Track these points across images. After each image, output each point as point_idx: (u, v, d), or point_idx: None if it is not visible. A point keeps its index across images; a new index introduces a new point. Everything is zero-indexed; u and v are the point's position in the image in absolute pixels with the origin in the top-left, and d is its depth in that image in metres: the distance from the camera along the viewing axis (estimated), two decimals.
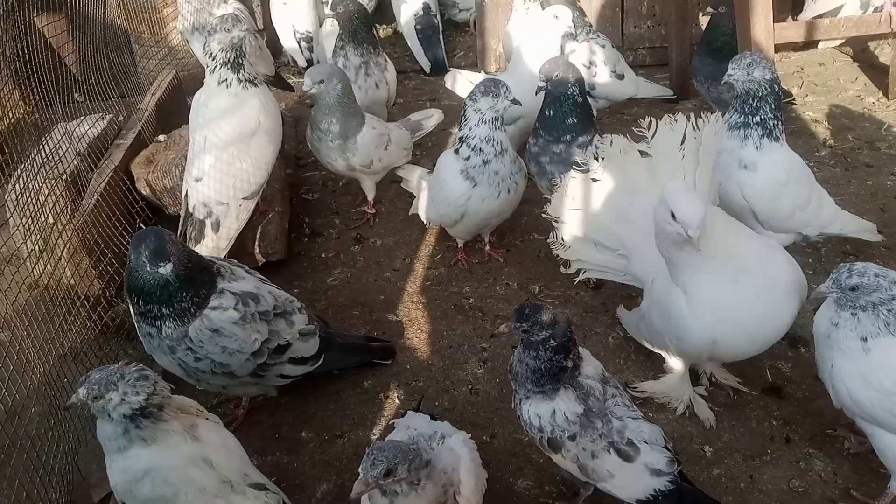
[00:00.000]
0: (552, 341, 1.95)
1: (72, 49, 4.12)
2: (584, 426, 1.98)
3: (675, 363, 2.56)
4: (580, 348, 2.10)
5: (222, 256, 2.98)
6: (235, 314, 2.32)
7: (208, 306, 2.29)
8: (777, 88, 2.77)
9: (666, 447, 2.02)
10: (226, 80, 3.05)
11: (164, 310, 2.23)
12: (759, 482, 2.31)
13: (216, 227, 3.01)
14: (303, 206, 3.95)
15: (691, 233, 2.13)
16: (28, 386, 2.37)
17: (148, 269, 2.18)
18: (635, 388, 2.61)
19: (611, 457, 1.98)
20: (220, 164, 3.03)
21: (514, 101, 3.02)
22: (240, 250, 3.18)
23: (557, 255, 2.90)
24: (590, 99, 3.50)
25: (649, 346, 2.66)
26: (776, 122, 2.77)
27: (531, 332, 1.95)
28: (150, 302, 2.24)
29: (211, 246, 3.01)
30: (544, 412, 2.00)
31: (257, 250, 3.28)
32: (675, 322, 2.38)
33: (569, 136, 3.11)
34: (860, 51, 5.15)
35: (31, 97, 3.28)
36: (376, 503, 1.82)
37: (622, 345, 2.87)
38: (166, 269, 2.17)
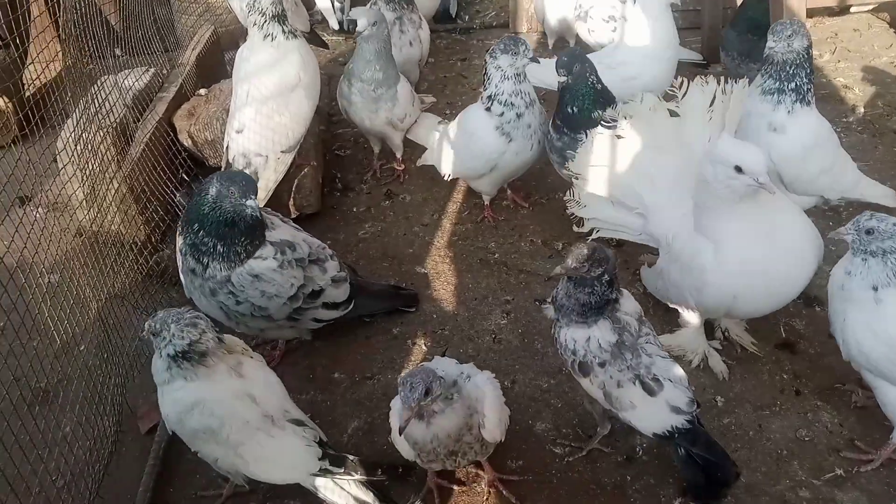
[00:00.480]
0: (606, 276, 2.07)
1: (114, 6, 4.24)
2: (615, 356, 2.10)
3: (691, 317, 2.67)
4: (622, 288, 2.23)
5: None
6: (274, 262, 2.47)
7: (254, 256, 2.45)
8: (811, 55, 2.82)
9: (688, 388, 2.14)
10: (271, 33, 3.16)
11: (219, 247, 2.40)
12: (767, 431, 2.43)
13: (255, 178, 3.14)
14: (335, 162, 4.07)
15: (762, 179, 2.21)
16: (83, 322, 2.55)
17: (235, 198, 2.33)
18: None
19: (635, 388, 2.11)
20: (261, 116, 3.15)
21: (533, 59, 3.08)
22: (275, 202, 3.31)
23: (572, 214, 2.98)
24: None
25: (667, 302, 2.76)
26: (809, 87, 2.83)
27: (592, 269, 2.04)
28: (210, 234, 2.39)
29: None
30: (580, 337, 2.13)
31: (292, 202, 3.42)
32: (698, 275, 2.48)
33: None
34: (894, 17, 5.08)
35: (85, 48, 3.42)
36: (415, 431, 1.98)
37: (640, 300, 2.85)
38: (253, 203, 2.33)
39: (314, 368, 2.80)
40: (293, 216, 3.43)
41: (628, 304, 2.22)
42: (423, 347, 2.84)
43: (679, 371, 2.17)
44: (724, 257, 2.40)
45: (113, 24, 4.28)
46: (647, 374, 2.11)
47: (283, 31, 3.18)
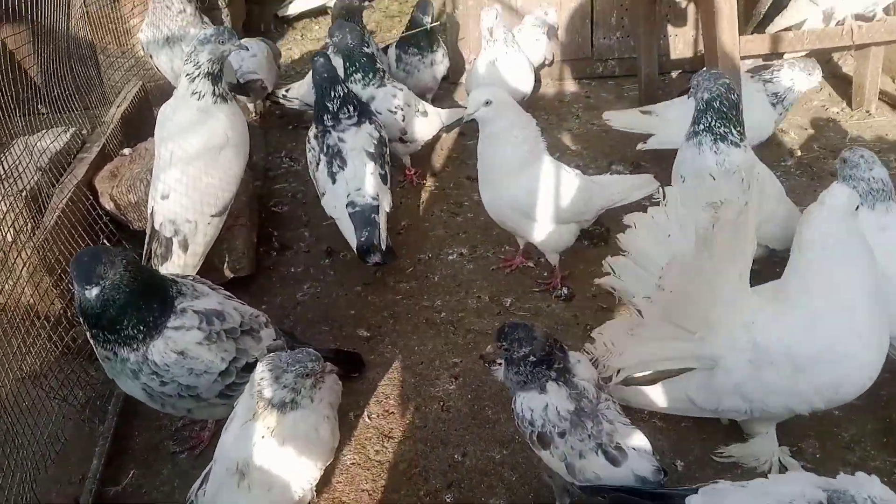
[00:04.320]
0: (532, 357, 2.02)
1: (35, 60, 4.03)
2: (575, 424, 2.01)
3: (758, 426, 2.37)
4: (576, 353, 2.18)
5: (192, 275, 2.92)
6: (199, 334, 2.25)
7: (169, 327, 2.23)
8: (719, 104, 2.90)
9: (654, 456, 2.04)
10: (200, 91, 3.00)
11: (107, 335, 2.17)
12: None
13: (184, 245, 2.95)
14: (272, 219, 3.89)
15: None
16: None
17: (78, 291, 2.12)
18: (720, 453, 2.42)
19: (598, 458, 2.00)
20: (187, 178, 2.97)
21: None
22: (206, 266, 3.11)
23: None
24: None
25: (722, 416, 2.40)
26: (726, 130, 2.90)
27: (512, 350, 2.04)
28: (93, 326, 2.18)
29: (179, 264, 2.95)
30: (537, 406, 2.04)
31: (224, 266, 3.22)
32: (837, 366, 2.08)
33: None
34: (824, 62, 5.20)
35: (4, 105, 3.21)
36: None
37: (594, 360, 2.86)
38: (91, 293, 2.09)
39: None
40: (227, 279, 3.24)
41: (584, 370, 2.13)
42: (368, 420, 2.65)
43: (642, 438, 2.07)
44: (862, 327, 2.04)
45: (34, 78, 4.08)
46: (610, 442, 2.01)
47: (214, 94, 3.02)
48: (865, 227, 2.20)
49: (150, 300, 2.22)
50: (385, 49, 4.81)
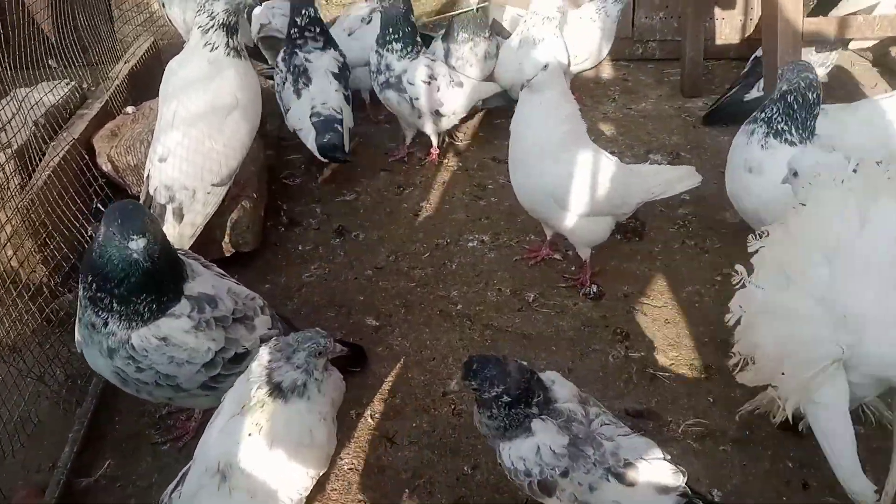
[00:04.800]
0: (505, 397, 1.77)
1: (48, 12, 3.78)
2: (575, 457, 1.76)
3: None
4: (547, 373, 1.92)
5: (186, 248, 2.68)
6: (188, 322, 1.99)
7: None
8: (792, 98, 2.60)
9: (665, 459, 1.81)
10: (213, 42, 2.77)
11: (115, 305, 1.91)
12: None
13: (178, 214, 2.70)
14: (282, 192, 3.64)
15: None
16: None
17: (117, 241, 1.84)
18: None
19: (612, 484, 1.75)
20: (189, 141, 2.72)
21: None
22: (206, 237, 2.88)
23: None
24: None
25: None
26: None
27: (482, 390, 1.78)
28: (104, 289, 1.90)
29: (172, 235, 2.68)
30: (528, 452, 1.78)
31: (226, 239, 2.97)
32: None
33: None
34: (880, 55, 4.87)
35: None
36: None
37: (623, 365, 2.60)
38: (139, 244, 1.82)
39: None
40: (227, 255, 3.00)
41: (562, 391, 1.86)
42: (370, 421, 2.40)
43: (647, 443, 1.83)
44: None
45: (46, 31, 3.84)
46: (618, 462, 1.76)
47: (227, 45, 2.78)
48: None
49: (173, 277, 2.00)
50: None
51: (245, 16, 3.21)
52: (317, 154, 3.42)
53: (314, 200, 3.58)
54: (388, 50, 3.55)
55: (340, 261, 3.16)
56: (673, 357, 2.62)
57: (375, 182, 3.72)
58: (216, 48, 2.76)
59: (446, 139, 4.05)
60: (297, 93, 3.51)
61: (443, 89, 3.60)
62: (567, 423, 1.79)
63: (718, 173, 3.20)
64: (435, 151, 3.87)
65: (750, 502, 2.14)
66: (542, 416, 1.78)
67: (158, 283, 1.93)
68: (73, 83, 3.34)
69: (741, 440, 2.32)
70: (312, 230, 3.36)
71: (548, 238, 3.09)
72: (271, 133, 4.06)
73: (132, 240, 1.82)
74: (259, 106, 2.97)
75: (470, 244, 3.25)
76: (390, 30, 3.53)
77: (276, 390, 1.81)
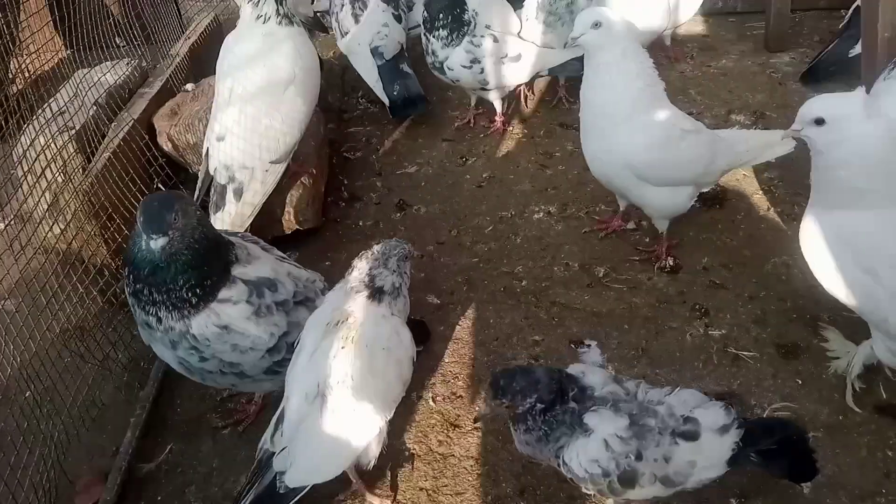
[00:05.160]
0: (539, 405, 1.67)
1: None
2: (641, 434, 1.67)
3: None
4: (573, 366, 1.84)
5: (245, 227, 2.65)
6: (248, 308, 1.95)
7: (217, 299, 1.94)
8: None
9: (709, 398, 1.79)
10: (265, 14, 2.72)
11: (155, 295, 1.89)
12: None
13: (238, 193, 2.67)
14: (343, 167, 3.57)
15: None
16: (16, 365, 2.09)
17: (141, 238, 1.84)
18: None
19: (681, 446, 1.69)
20: (246, 119, 2.67)
21: None
22: (266, 216, 2.84)
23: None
24: None
25: None
26: None
27: (515, 405, 1.68)
28: (140, 280, 1.89)
29: (233, 213, 2.67)
30: (596, 451, 1.66)
31: (286, 217, 2.92)
32: None
33: None
34: None
35: (67, 42, 3.01)
36: None
37: (702, 344, 2.42)
38: (157, 244, 1.81)
39: None
40: (288, 232, 2.95)
41: (595, 378, 1.76)
42: (432, 404, 2.32)
43: (690, 393, 1.78)
44: None
45: (112, 8, 3.88)
46: (678, 422, 1.70)
47: (278, 13, 2.71)
48: None
49: (213, 262, 1.95)
50: None
51: None
52: (386, 102, 3.71)
53: (375, 174, 3.50)
54: (435, 36, 3.48)
55: (402, 235, 3.05)
56: (757, 335, 2.42)
57: (437, 153, 3.61)
58: (268, 19, 2.70)
59: (512, 103, 3.89)
60: (356, 17, 3.85)
61: (488, 69, 3.47)
62: (615, 405, 1.70)
63: None
64: (499, 118, 3.72)
65: (843, 495, 1.95)
66: (595, 407, 1.68)
67: (198, 269, 1.89)
68: (134, 61, 3.34)
69: (834, 426, 2.12)
70: (373, 205, 3.29)
71: (620, 208, 2.91)
72: (333, 106, 4.01)
73: (153, 239, 1.80)
74: (317, 79, 2.89)
75: (536, 216, 3.11)
76: (440, 16, 3.43)
77: (378, 293, 1.97)
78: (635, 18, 3.37)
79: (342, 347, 1.84)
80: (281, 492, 1.81)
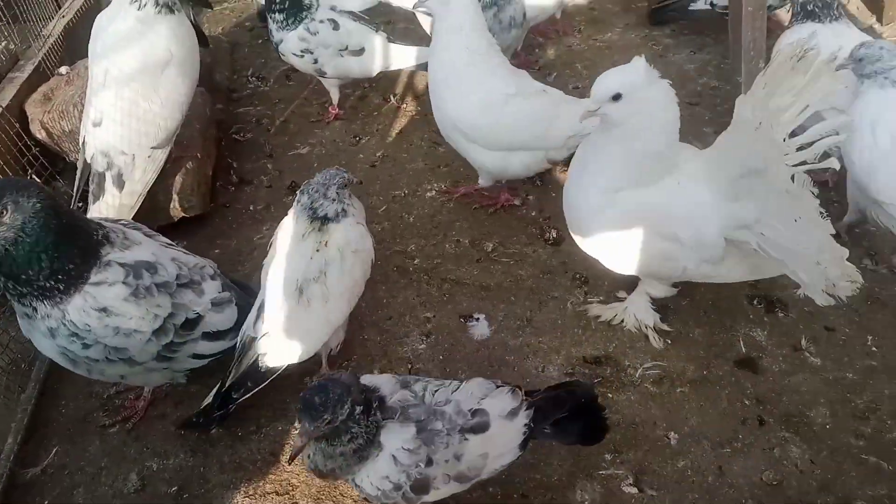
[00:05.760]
0: (358, 408, 1.60)
1: None
2: (429, 440, 1.68)
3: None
4: (364, 377, 1.77)
5: (129, 216, 2.59)
6: (124, 289, 1.94)
7: (90, 281, 1.91)
8: None
9: (494, 383, 1.83)
10: (140, 1, 2.63)
11: (20, 287, 1.85)
12: (728, 474, 2.06)
13: (118, 181, 2.60)
14: (232, 149, 3.52)
15: None
16: None
17: None
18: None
19: (471, 441, 1.72)
20: (123, 102, 2.60)
21: None
22: (150, 203, 2.78)
23: None
24: None
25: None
26: None
27: (336, 418, 1.57)
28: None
29: (114, 205, 2.61)
30: (386, 468, 1.66)
31: (172, 204, 2.87)
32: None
33: None
34: None
35: None
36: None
37: (582, 312, 2.56)
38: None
39: None
40: (175, 220, 2.91)
41: (385, 386, 1.76)
42: None
43: (477, 383, 1.81)
44: None
45: None
46: (465, 418, 1.72)
47: (157, 3, 2.64)
48: None
49: (69, 247, 1.89)
50: None
51: None
52: None
53: (266, 156, 3.47)
54: (272, 19, 3.33)
55: None
56: None
57: (330, 132, 3.61)
58: (144, 5, 2.62)
59: (405, 80, 3.92)
60: None
61: (324, 60, 3.35)
62: (405, 412, 1.69)
63: (684, 105, 3.10)
64: (333, 110, 3.67)
65: (706, 443, 2.14)
66: (383, 423, 1.67)
67: (49, 255, 1.85)
68: (1, 43, 3.16)
69: (698, 381, 2.32)
70: (264, 188, 3.26)
71: (503, 183, 3.01)
72: (220, 85, 3.91)
73: None
74: (196, 58, 2.84)
75: (428, 194, 3.17)
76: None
77: (325, 220, 2.16)
78: None
79: (317, 250, 2.13)
80: (262, 370, 2.10)
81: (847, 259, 2.02)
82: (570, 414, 1.83)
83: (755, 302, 2.55)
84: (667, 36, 4.23)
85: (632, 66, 2.00)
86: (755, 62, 2.92)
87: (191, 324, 2.10)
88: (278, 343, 2.10)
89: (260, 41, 4.42)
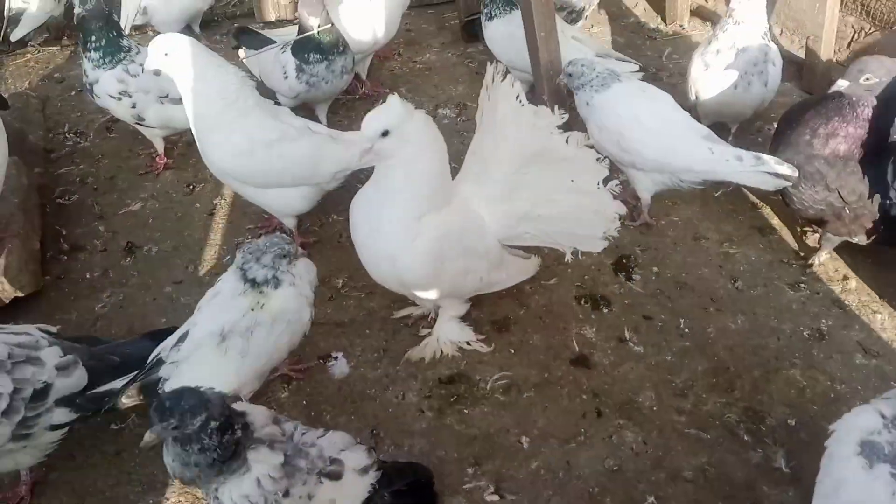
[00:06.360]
0: (213, 423, 1.66)
1: None
2: (291, 474, 1.79)
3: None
4: (238, 403, 1.89)
5: None
6: None
7: None
8: None
9: (358, 442, 2.00)
10: None
11: None
12: (575, 467, 2.29)
13: None
14: (58, 214, 3.37)
15: None
16: None
17: None
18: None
19: (325, 485, 1.84)
20: None
21: None
22: None
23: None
24: None
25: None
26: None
27: (185, 425, 1.63)
28: None
29: None
30: (249, 488, 1.74)
31: (0, 288, 2.73)
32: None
33: None
34: None
35: None
36: None
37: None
38: None
39: None
40: (6, 303, 2.77)
41: (258, 417, 1.86)
42: None
43: (340, 436, 1.98)
44: None
45: None
46: (326, 463, 1.86)
47: None
48: (624, 97, 2.90)
49: None
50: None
51: None
52: None
53: (96, 217, 3.36)
54: (87, 58, 3.27)
55: (135, 282, 3.01)
56: (476, 316, 2.77)
57: (161, 184, 3.55)
58: None
59: None
60: None
61: (142, 105, 3.33)
62: (272, 444, 1.79)
63: None
64: (160, 160, 3.64)
65: (553, 442, 2.37)
66: (254, 446, 1.75)
67: None
68: None
69: (541, 384, 2.54)
70: (98, 253, 3.16)
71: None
72: (36, 147, 3.73)
73: None
74: (3, 138, 2.71)
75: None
76: (92, 38, 3.23)
77: (254, 283, 2.22)
78: (351, 34, 3.57)
79: (252, 309, 2.20)
80: (159, 391, 2.19)
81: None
82: (408, 488, 2.02)
83: (582, 301, 2.83)
84: (481, 52, 4.47)
85: (390, 104, 2.24)
86: (554, 80, 3.21)
87: (40, 394, 2.08)
88: (183, 376, 2.16)
89: (73, 93, 4.24)
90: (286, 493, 1.76)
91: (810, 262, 2.88)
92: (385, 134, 2.20)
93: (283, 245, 2.26)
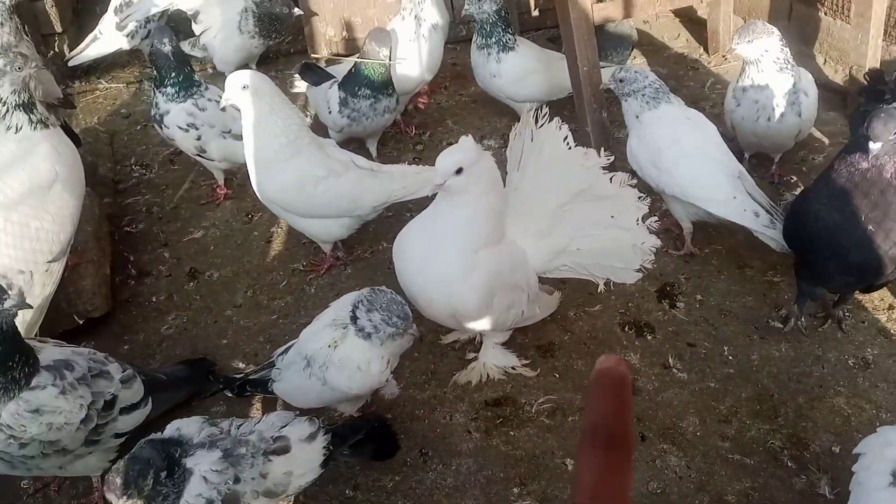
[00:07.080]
0: (162, 473, 1.85)
1: None
2: (235, 462, 1.96)
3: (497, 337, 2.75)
4: (168, 427, 2.07)
5: (33, 333, 2.65)
6: (54, 389, 2.14)
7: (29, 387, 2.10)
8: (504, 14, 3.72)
9: (296, 415, 2.19)
10: (15, 125, 2.75)
11: None
12: None
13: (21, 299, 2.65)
14: (126, 241, 3.58)
15: None
16: None
17: None
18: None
19: (274, 461, 2.02)
20: (13, 226, 2.67)
21: None
22: (53, 311, 2.83)
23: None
24: None
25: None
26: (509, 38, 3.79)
27: (144, 486, 1.82)
28: None
29: (20, 322, 2.65)
30: (197, 486, 1.91)
31: (75, 310, 2.93)
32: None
33: None
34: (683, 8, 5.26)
35: None
36: None
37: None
38: None
39: None
40: (80, 323, 2.96)
41: (190, 429, 2.04)
42: None
43: (277, 415, 2.18)
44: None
45: None
46: (268, 443, 2.04)
47: (31, 122, 2.76)
48: (670, 119, 3.01)
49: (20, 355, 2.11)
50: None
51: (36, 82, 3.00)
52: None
53: (161, 244, 3.55)
54: (161, 92, 3.46)
55: (197, 306, 3.19)
56: (521, 341, 2.86)
57: (222, 213, 3.73)
58: (20, 129, 2.71)
59: None
60: None
61: (206, 138, 3.48)
62: (211, 445, 1.97)
63: None
64: (220, 190, 3.80)
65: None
66: (191, 453, 1.95)
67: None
68: None
69: (581, 405, 2.61)
70: (164, 278, 3.35)
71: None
72: (105, 178, 3.96)
73: None
74: (81, 172, 2.93)
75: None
76: (172, 74, 3.42)
77: (354, 324, 2.28)
78: (401, 71, 3.75)
79: (328, 346, 2.30)
80: (269, 389, 2.49)
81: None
82: (366, 437, 2.25)
83: (626, 328, 2.89)
84: None
85: (464, 144, 2.37)
86: (597, 113, 3.32)
87: (109, 404, 2.29)
88: (281, 384, 2.45)
89: (139, 127, 4.48)
90: (237, 480, 1.93)
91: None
92: (458, 171, 2.32)
93: (399, 322, 2.25)
